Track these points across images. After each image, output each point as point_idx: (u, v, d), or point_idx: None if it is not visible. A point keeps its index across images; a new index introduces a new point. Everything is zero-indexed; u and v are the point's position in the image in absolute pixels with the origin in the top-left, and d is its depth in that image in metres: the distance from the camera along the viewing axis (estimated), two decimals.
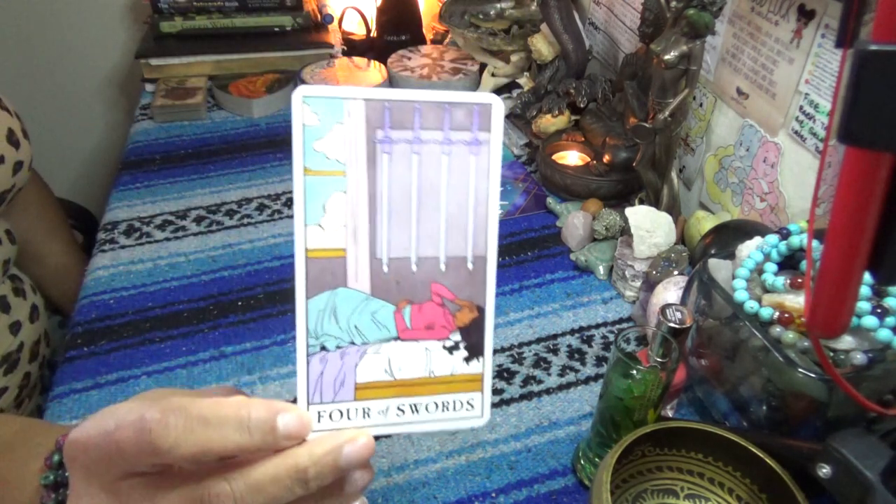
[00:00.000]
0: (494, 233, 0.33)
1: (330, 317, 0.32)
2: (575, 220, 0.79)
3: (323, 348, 0.32)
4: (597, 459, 0.53)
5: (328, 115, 0.31)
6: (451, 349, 0.34)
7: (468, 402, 0.34)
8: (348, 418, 0.33)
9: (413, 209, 0.32)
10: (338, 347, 0.32)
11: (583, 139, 0.91)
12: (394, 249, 0.33)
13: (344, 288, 0.32)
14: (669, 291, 0.63)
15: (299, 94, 0.30)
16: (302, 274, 0.31)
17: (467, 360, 0.34)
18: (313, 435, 0.32)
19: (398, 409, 0.33)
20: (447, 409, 0.34)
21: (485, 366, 0.34)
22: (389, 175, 0.32)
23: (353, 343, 0.33)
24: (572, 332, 0.69)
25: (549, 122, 0.93)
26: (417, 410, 0.34)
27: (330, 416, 0.32)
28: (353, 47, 1.23)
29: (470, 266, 0.33)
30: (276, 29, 1.17)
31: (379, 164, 0.32)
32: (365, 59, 1.15)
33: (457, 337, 0.34)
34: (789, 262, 0.54)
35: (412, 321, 0.33)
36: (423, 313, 0.33)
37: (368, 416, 0.33)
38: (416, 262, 0.33)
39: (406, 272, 0.33)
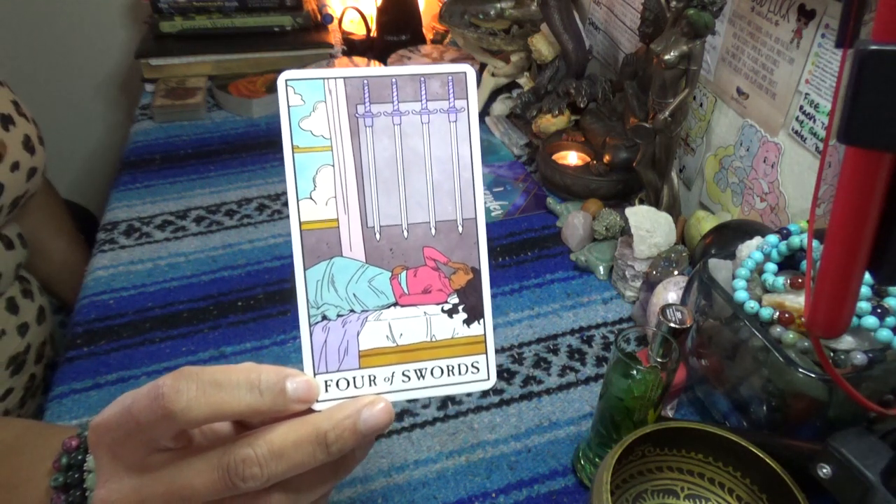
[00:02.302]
0: (481, 194, 0.35)
1: (328, 286, 0.33)
2: (575, 220, 0.79)
3: (324, 317, 0.33)
4: (597, 459, 0.53)
5: (311, 94, 0.33)
6: (450, 312, 0.34)
7: (473, 365, 0.35)
8: (355, 387, 0.33)
9: (399, 178, 0.34)
10: (339, 316, 0.33)
11: (583, 139, 0.91)
12: (384, 217, 0.34)
13: (339, 257, 0.33)
14: (669, 291, 0.63)
15: (283, 77, 0.33)
16: (298, 246, 0.33)
17: (467, 322, 0.35)
18: (322, 405, 0.32)
19: (403, 375, 0.34)
20: (452, 373, 0.34)
21: (486, 327, 0.35)
22: (373, 147, 0.34)
23: (353, 311, 0.34)
24: (572, 332, 0.69)
25: (549, 122, 0.93)
26: (423, 376, 0.34)
27: (337, 384, 0.33)
28: (353, 47, 1.23)
29: (460, 229, 0.34)
30: (276, 29, 1.17)
31: (363, 136, 0.34)
32: (365, 59, 1.15)
33: (455, 299, 0.34)
34: (789, 262, 0.54)
35: (409, 286, 0.34)
36: (418, 278, 0.34)
37: (374, 383, 0.34)
38: (407, 228, 0.34)
39: (398, 239, 0.34)
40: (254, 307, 0.71)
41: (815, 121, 0.62)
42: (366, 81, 0.33)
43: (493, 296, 0.73)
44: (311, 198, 0.33)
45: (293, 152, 0.33)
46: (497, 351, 0.67)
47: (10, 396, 0.73)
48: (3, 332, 0.72)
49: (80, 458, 0.37)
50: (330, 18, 1.22)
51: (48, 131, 0.81)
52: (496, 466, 0.56)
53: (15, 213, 0.74)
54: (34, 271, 0.83)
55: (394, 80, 0.34)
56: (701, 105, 0.78)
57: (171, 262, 0.78)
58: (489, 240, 0.81)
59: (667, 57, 0.67)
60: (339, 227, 0.33)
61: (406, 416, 0.60)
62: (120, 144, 1.13)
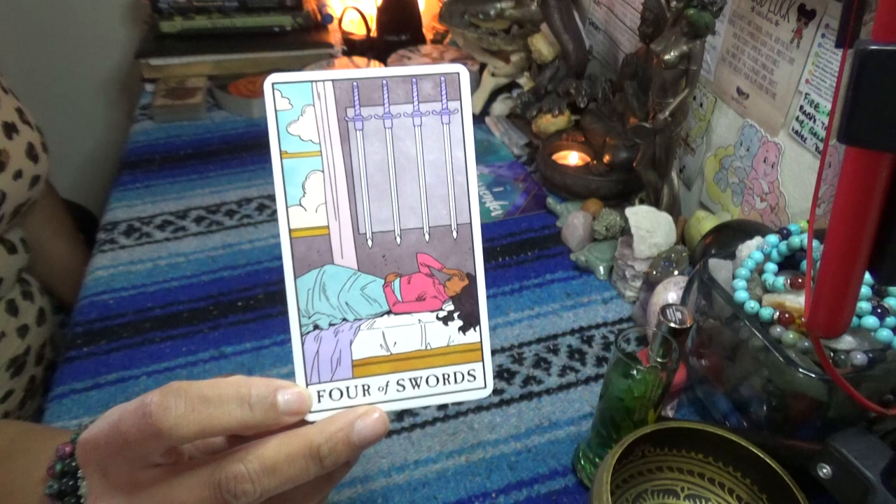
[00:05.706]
0: (476, 198, 0.34)
1: (320, 294, 0.33)
2: (575, 220, 0.79)
3: (316, 327, 0.33)
4: (597, 460, 0.53)
5: (299, 98, 0.32)
6: (445, 319, 0.34)
7: (469, 373, 0.34)
8: (349, 397, 0.33)
9: (391, 182, 0.33)
10: (331, 325, 0.33)
11: (583, 139, 0.91)
12: (376, 223, 0.33)
13: (331, 265, 0.33)
14: (670, 291, 0.63)
15: (269, 81, 0.32)
16: (288, 254, 0.32)
17: (463, 329, 0.34)
18: (315, 416, 0.32)
19: (398, 384, 0.33)
20: (448, 381, 0.34)
21: (482, 335, 0.34)
22: (364, 151, 0.33)
23: (345, 320, 0.33)
24: (572, 332, 0.69)
25: (549, 122, 0.93)
26: (418, 385, 0.33)
27: (330, 394, 0.33)
28: (353, 47, 1.23)
29: (454, 234, 0.34)
30: (276, 29, 1.17)
31: (353, 141, 0.33)
32: (365, 59, 1.15)
33: (450, 306, 0.34)
34: (789, 262, 0.54)
35: (402, 293, 0.33)
36: (412, 285, 0.33)
37: (368, 393, 0.33)
38: (400, 234, 0.33)
39: (391, 245, 0.33)
40: (254, 307, 0.71)
41: (815, 121, 0.62)
42: (355, 84, 0.32)
43: (493, 296, 0.73)
44: (300, 204, 0.32)
45: (281, 158, 0.32)
46: (497, 351, 0.67)
47: (10, 398, 0.73)
48: (3, 335, 0.72)
49: (73, 464, 0.36)
50: (330, 18, 1.22)
51: (48, 131, 0.81)
52: (496, 466, 0.56)
53: (17, 220, 0.74)
54: (34, 272, 0.83)
55: (384, 81, 0.33)
56: (701, 105, 0.78)
57: (171, 262, 0.78)
58: (489, 240, 0.81)
59: (667, 57, 0.67)
60: (329, 234, 0.33)
61: (406, 417, 0.60)
62: (120, 144, 1.13)
